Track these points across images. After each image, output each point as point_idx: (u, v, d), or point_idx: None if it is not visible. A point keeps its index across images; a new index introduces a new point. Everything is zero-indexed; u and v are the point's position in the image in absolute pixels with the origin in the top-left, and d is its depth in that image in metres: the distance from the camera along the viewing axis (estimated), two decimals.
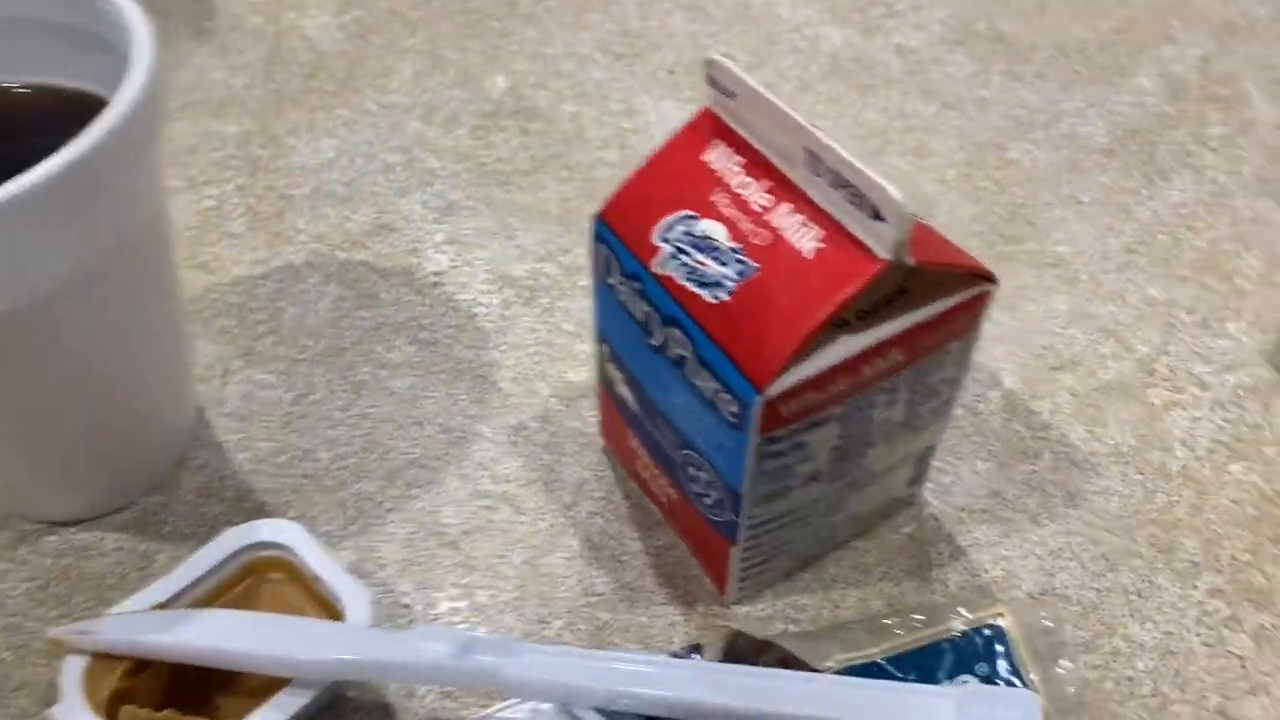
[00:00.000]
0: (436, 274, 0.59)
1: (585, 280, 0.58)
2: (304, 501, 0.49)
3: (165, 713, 0.39)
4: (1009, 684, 0.39)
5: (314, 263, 0.60)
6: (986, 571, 0.47)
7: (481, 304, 0.57)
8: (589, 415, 0.53)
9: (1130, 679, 0.44)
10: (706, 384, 0.38)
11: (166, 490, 0.50)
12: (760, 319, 0.36)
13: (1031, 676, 0.38)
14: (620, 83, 0.70)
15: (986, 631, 0.38)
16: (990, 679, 0.40)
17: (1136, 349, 0.56)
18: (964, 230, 0.61)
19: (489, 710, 0.40)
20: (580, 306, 0.57)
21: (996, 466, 0.51)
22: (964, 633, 0.39)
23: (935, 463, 0.50)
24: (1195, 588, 0.47)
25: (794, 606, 0.46)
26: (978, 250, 0.60)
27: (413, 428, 0.52)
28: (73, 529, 0.49)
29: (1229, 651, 0.45)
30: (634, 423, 0.46)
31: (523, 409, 0.53)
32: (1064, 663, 0.38)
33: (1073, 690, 0.38)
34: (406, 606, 0.46)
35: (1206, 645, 0.45)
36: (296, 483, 0.50)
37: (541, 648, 0.38)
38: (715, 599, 0.46)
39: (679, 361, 0.39)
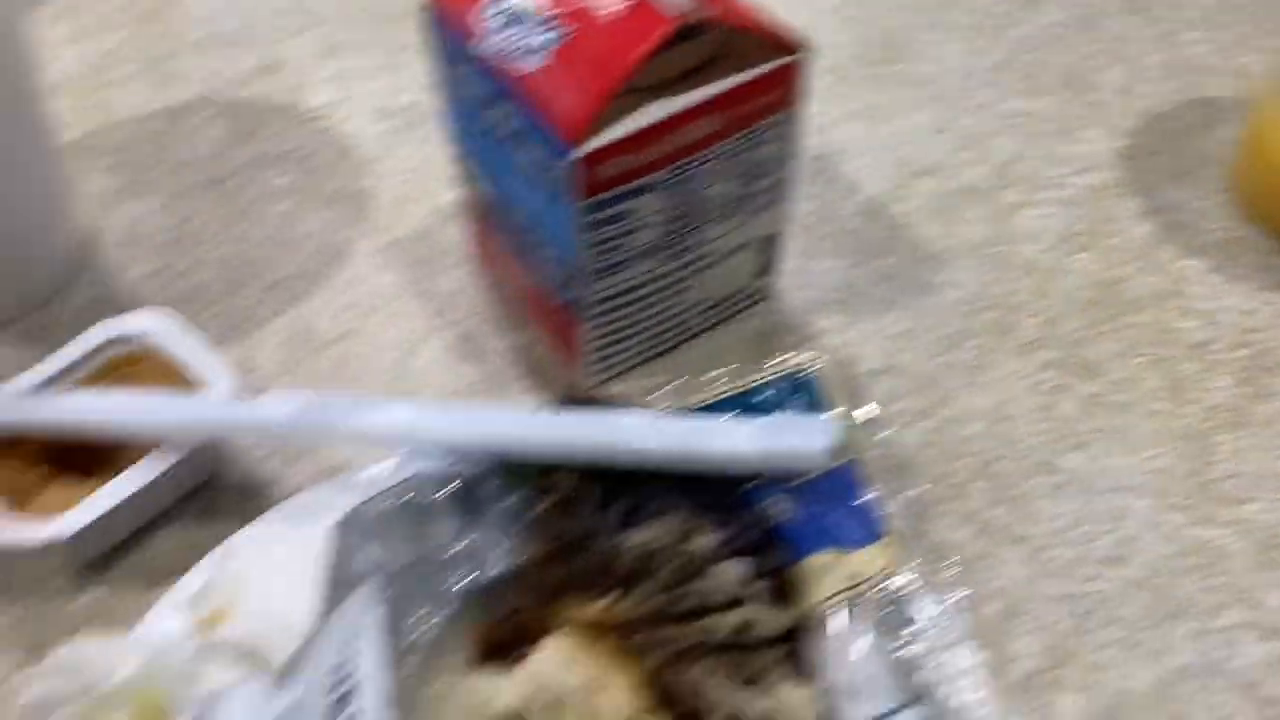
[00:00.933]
0: (320, 107, 0.60)
1: None
2: (185, 315, 0.51)
3: (35, 472, 0.41)
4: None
5: (200, 103, 0.61)
6: (833, 355, 0.50)
7: (364, 134, 0.59)
8: (462, 233, 0.55)
9: (964, 438, 0.47)
10: (532, 156, 0.40)
11: (53, 308, 0.52)
12: (569, 83, 0.38)
13: (839, 411, 0.40)
14: None
15: (798, 375, 0.41)
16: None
17: (994, 156, 0.58)
18: (837, 56, 0.63)
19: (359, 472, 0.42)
20: None
21: (850, 264, 0.53)
22: (776, 378, 0.41)
23: (790, 263, 0.52)
24: (1030, 361, 0.49)
25: (644, 390, 0.48)
26: (849, 72, 0.62)
27: (291, 247, 0.54)
28: None
29: (1056, 415, 0.48)
30: (492, 218, 0.48)
31: (398, 228, 0.55)
32: (870, 405, 0.41)
33: (878, 424, 0.40)
34: None
35: (1036, 409, 0.48)
36: (181, 296, 0.52)
37: (385, 403, 0.41)
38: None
39: (509, 139, 0.41)
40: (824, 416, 0.39)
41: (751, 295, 0.50)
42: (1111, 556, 0.43)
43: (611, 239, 0.42)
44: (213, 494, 0.46)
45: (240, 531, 0.39)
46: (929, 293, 0.52)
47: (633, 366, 0.49)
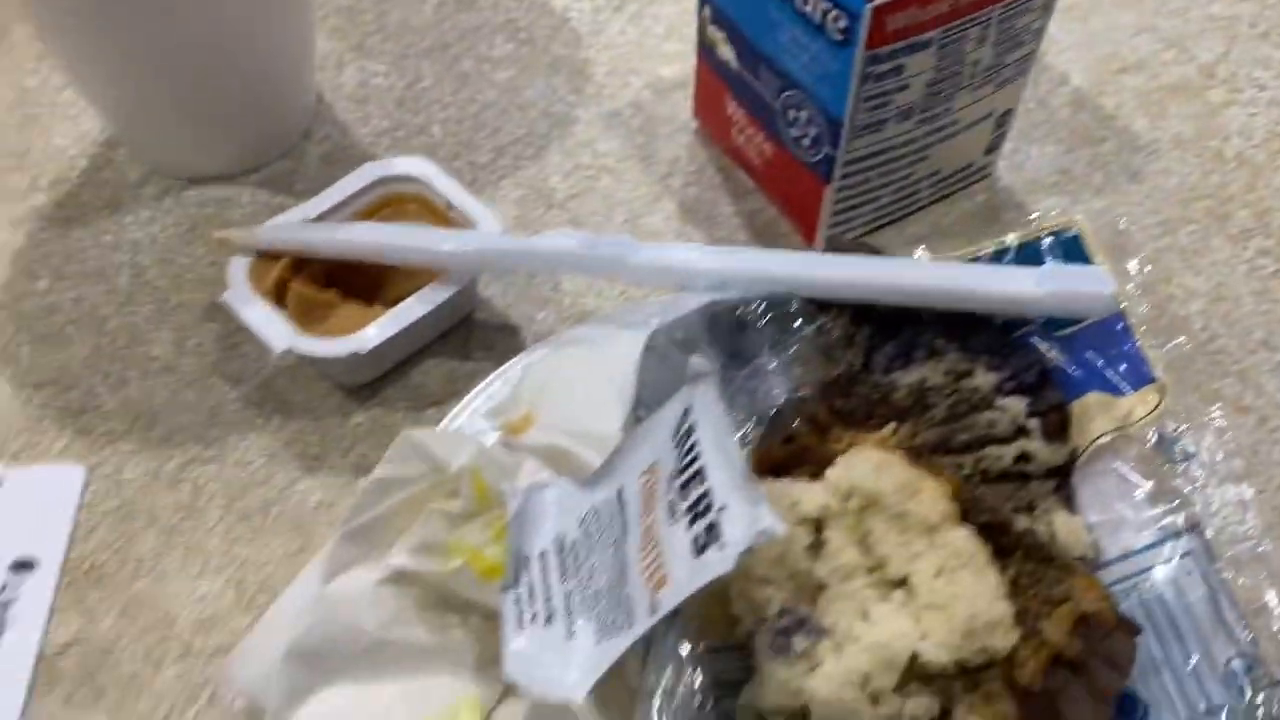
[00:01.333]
0: None
1: None
2: None
3: (328, 293, 0.43)
4: None
5: None
6: (1032, 216, 0.51)
7: (574, 9, 0.61)
8: (680, 104, 0.56)
9: (1184, 317, 0.48)
10: (815, 6, 0.42)
11: (294, 157, 0.54)
12: None
13: (1101, 263, 0.41)
14: None
15: (1061, 234, 0.42)
16: None
17: (1198, 56, 0.59)
18: None
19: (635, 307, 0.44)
20: (669, 11, 0.60)
21: (1064, 149, 0.54)
22: (1039, 236, 0.43)
23: (1008, 145, 0.54)
24: (1246, 248, 0.51)
25: (905, 243, 0.50)
26: None
27: (516, 112, 0.56)
28: (210, 185, 0.53)
29: (1274, 299, 0.49)
30: (733, 83, 0.50)
31: (618, 98, 0.57)
32: (1132, 263, 0.42)
33: (1138, 284, 0.42)
34: None
35: (1254, 294, 0.49)
36: (414, 153, 0.54)
37: (659, 245, 0.43)
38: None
39: None
40: (1099, 267, 0.40)
41: (978, 171, 0.52)
42: None
43: (881, 95, 0.43)
44: (468, 333, 0.48)
45: (535, 347, 0.42)
46: (1142, 180, 0.53)
47: (861, 235, 0.51)
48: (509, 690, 0.36)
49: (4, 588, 0.41)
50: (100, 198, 0.53)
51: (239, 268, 0.44)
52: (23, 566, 0.42)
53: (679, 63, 0.58)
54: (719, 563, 0.30)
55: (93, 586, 0.42)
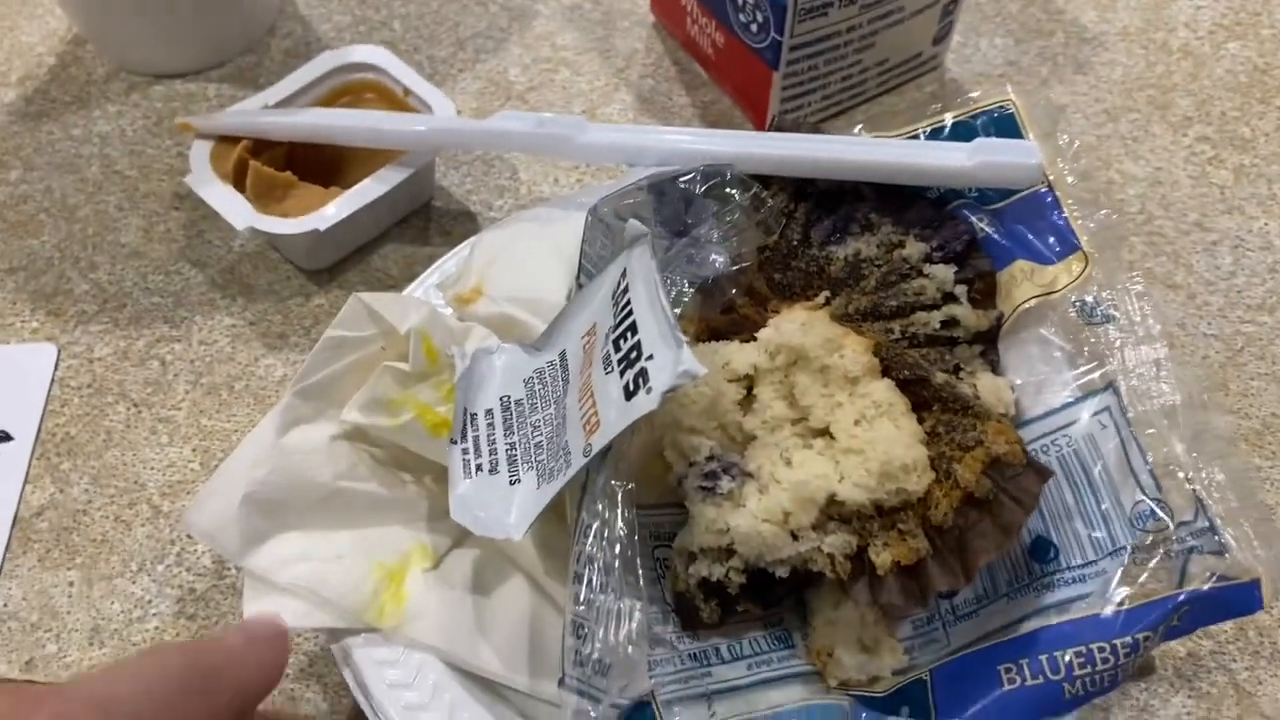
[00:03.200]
0: None
1: None
2: None
3: (285, 174, 0.45)
4: None
5: None
6: (970, 92, 0.52)
7: None
8: None
9: (1122, 200, 0.50)
10: None
11: (258, 52, 0.55)
12: None
13: (1029, 137, 0.43)
14: None
15: (995, 112, 0.44)
16: None
17: None
18: None
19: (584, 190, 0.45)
20: None
21: (1013, 42, 0.55)
22: (974, 113, 0.44)
23: (957, 38, 0.55)
24: (1185, 135, 0.52)
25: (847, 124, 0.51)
26: None
27: (476, 7, 0.57)
28: (176, 80, 0.54)
29: (1210, 183, 0.51)
30: None
31: None
32: (1063, 137, 0.43)
33: (1067, 158, 0.43)
34: None
35: (1191, 178, 0.51)
36: (375, 47, 0.55)
37: (607, 125, 0.44)
38: None
39: None
40: (1028, 140, 0.42)
41: (925, 62, 0.53)
42: (1261, 304, 0.47)
43: None
44: (427, 219, 0.50)
45: (487, 226, 0.43)
46: (1088, 71, 0.54)
47: (813, 124, 0.52)
48: (458, 540, 0.38)
49: None
50: (69, 93, 0.54)
51: (201, 151, 0.46)
52: None
53: None
54: (645, 403, 0.31)
55: (65, 456, 0.44)
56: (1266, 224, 0.49)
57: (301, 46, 0.55)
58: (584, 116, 0.53)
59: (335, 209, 0.44)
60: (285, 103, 0.47)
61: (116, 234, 0.49)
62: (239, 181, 0.45)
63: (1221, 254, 0.48)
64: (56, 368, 0.46)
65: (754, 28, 0.48)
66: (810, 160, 0.42)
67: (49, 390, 0.45)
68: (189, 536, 0.42)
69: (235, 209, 0.44)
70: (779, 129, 0.46)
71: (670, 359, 0.32)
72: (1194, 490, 0.34)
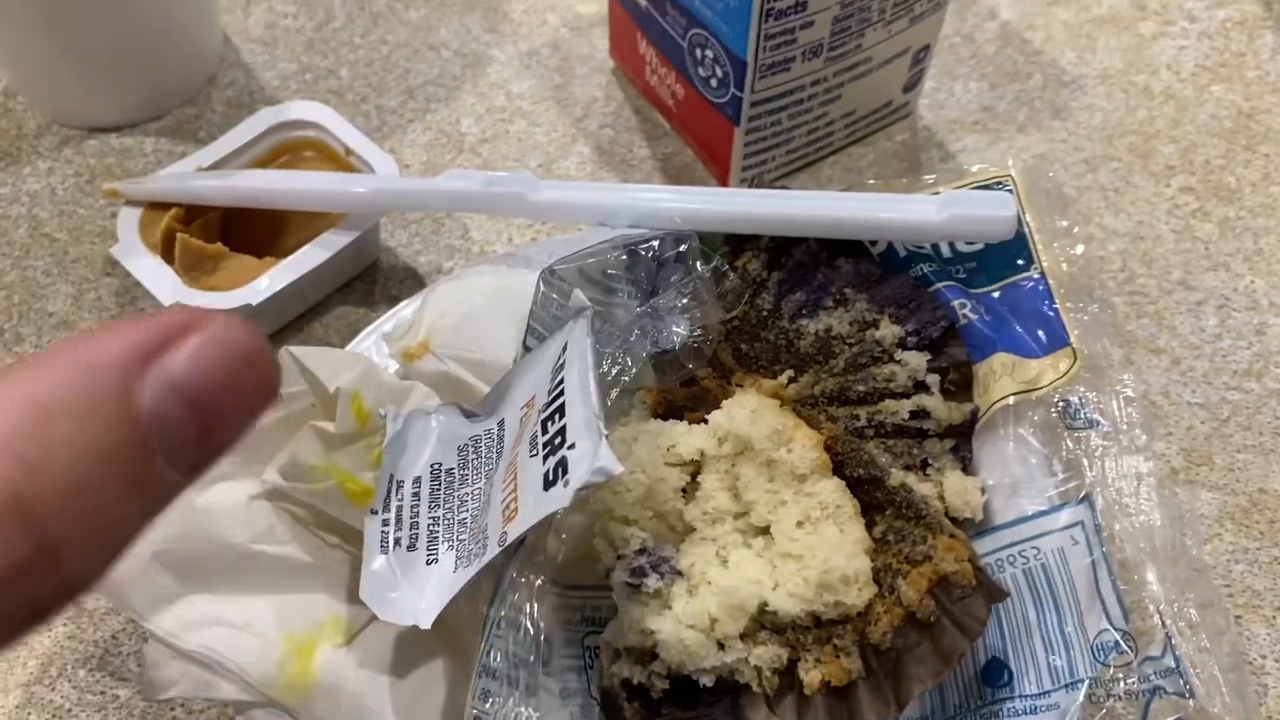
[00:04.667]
0: None
1: None
2: None
3: (215, 245, 0.42)
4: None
5: None
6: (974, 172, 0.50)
7: None
8: (598, 43, 0.55)
9: (1102, 258, 0.48)
10: None
11: (199, 104, 0.53)
12: None
13: (1028, 219, 0.40)
14: None
15: (993, 188, 0.41)
16: None
17: None
18: None
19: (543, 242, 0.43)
20: None
21: (989, 86, 0.53)
22: (970, 187, 0.42)
23: (930, 83, 0.52)
24: (1168, 185, 0.50)
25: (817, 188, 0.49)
26: None
27: (429, 52, 0.55)
28: (112, 134, 0.52)
29: (1194, 237, 0.48)
30: (644, 22, 0.48)
31: (534, 36, 0.55)
32: (1062, 221, 0.41)
33: (1064, 243, 0.41)
34: None
35: (1174, 232, 0.49)
36: (321, 98, 0.53)
37: (560, 181, 0.42)
38: None
39: None
40: (1002, 192, 0.39)
41: (895, 111, 0.51)
42: (1248, 369, 0.45)
43: (784, 33, 0.42)
44: (372, 283, 0.47)
45: (442, 277, 0.41)
46: (1067, 117, 0.52)
47: (776, 177, 0.50)
48: None
49: None
50: None
51: (129, 219, 0.43)
52: None
53: (597, 1, 0.56)
54: (559, 498, 0.29)
55: None
56: (1252, 281, 0.47)
57: (244, 97, 0.53)
58: (540, 170, 0.50)
59: (269, 281, 0.42)
60: (220, 164, 0.45)
61: (44, 302, 0.47)
62: (168, 252, 0.43)
63: (1206, 315, 0.46)
64: None
65: (714, 82, 0.45)
66: (773, 216, 0.39)
67: None
68: (114, 638, 0.39)
69: (162, 283, 0.42)
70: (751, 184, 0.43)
71: (589, 453, 0.30)
72: (1164, 625, 0.32)
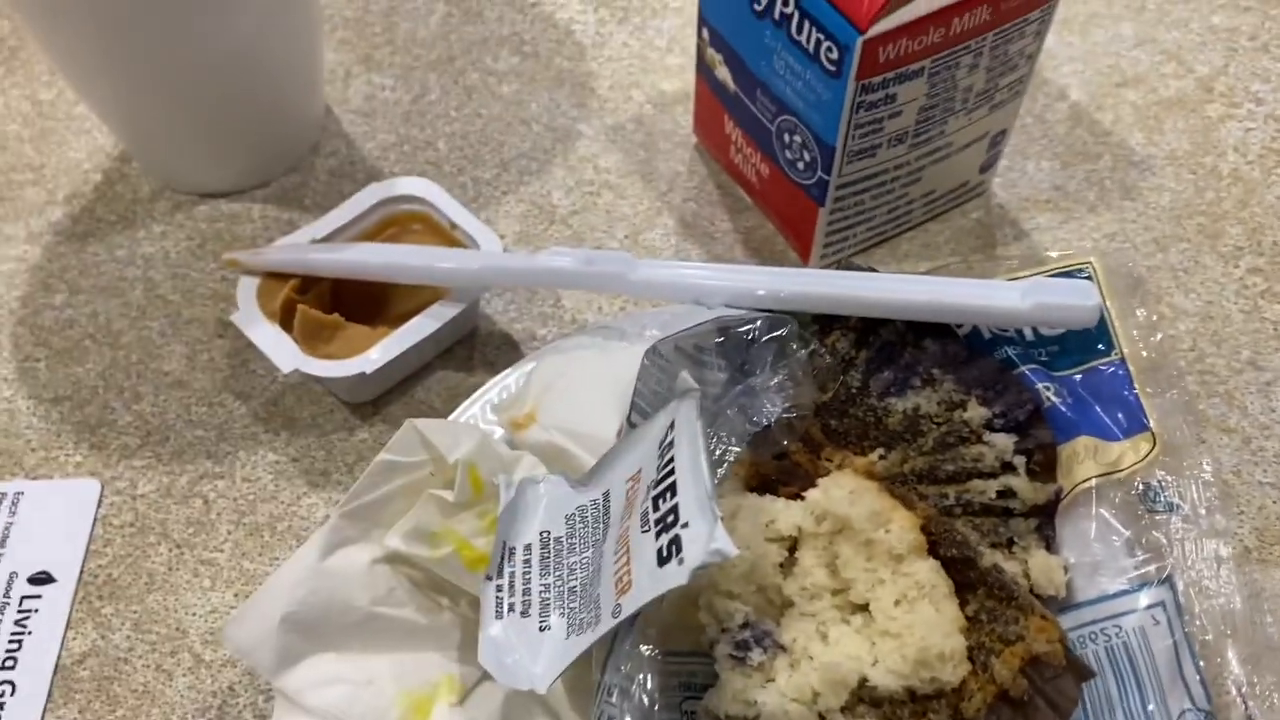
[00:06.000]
0: None
1: (675, 0, 0.62)
2: None
3: (333, 316, 0.45)
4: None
5: None
6: (1047, 250, 0.52)
7: (578, 22, 0.61)
8: (681, 119, 0.57)
9: (1173, 336, 0.49)
10: (809, 37, 0.42)
11: (303, 172, 0.55)
12: None
13: (1108, 304, 0.42)
14: None
15: (1074, 274, 0.43)
16: None
17: (1197, 69, 0.59)
18: None
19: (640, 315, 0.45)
20: (671, 25, 0.61)
21: (1060, 165, 0.55)
22: (1052, 273, 0.44)
23: (1003, 162, 0.54)
24: (1237, 266, 0.51)
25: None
26: None
27: (520, 126, 0.57)
28: (221, 200, 0.54)
29: (1263, 317, 0.50)
30: (732, 105, 0.50)
31: (620, 112, 0.58)
32: (1141, 310, 0.43)
33: (1144, 330, 0.42)
34: None
35: (1243, 312, 0.50)
36: (420, 168, 0.55)
37: (656, 261, 0.44)
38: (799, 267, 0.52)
39: (782, 21, 0.44)
40: (1086, 281, 0.41)
41: (971, 190, 0.53)
42: None
43: (873, 122, 0.44)
44: (471, 348, 0.49)
45: (547, 347, 0.43)
46: (1136, 197, 0.54)
47: (855, 253, 0.52)
48: (488, 673, 0.38)
49: (23, 599, 0.43)
50: (114, 212, 0.54)
51: (247, 288, 0.46)
52: (41, 580, 0.44)
53: (679, 77, 0.59)
54: (675, 576, 0.31)
55: (107, 600, 0.43)
56: None
57: (346, 166, 0.56)
58: (626, 242, 0.53)
59: (381, 351, 0.44)
60: (332, 236, 0.48)
61: (160, 362, 0.49)
62: (285, 320, 0.45)
63: (1276, 394, 0.48)
64: (99, 505, 0.46)
65: (800, 165, 0.47)
66: (863, 299, 0.41)
67: (92, 529, 0.45)
68: (231, 689, 0.41)
69: (282, 350, 0.44)
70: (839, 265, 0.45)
71: (704, 534, 0.31)
72: (1247, 710, 0.33)
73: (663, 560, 0.32)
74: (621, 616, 0.33)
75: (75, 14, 0.45)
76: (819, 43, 0.42)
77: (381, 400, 0.48)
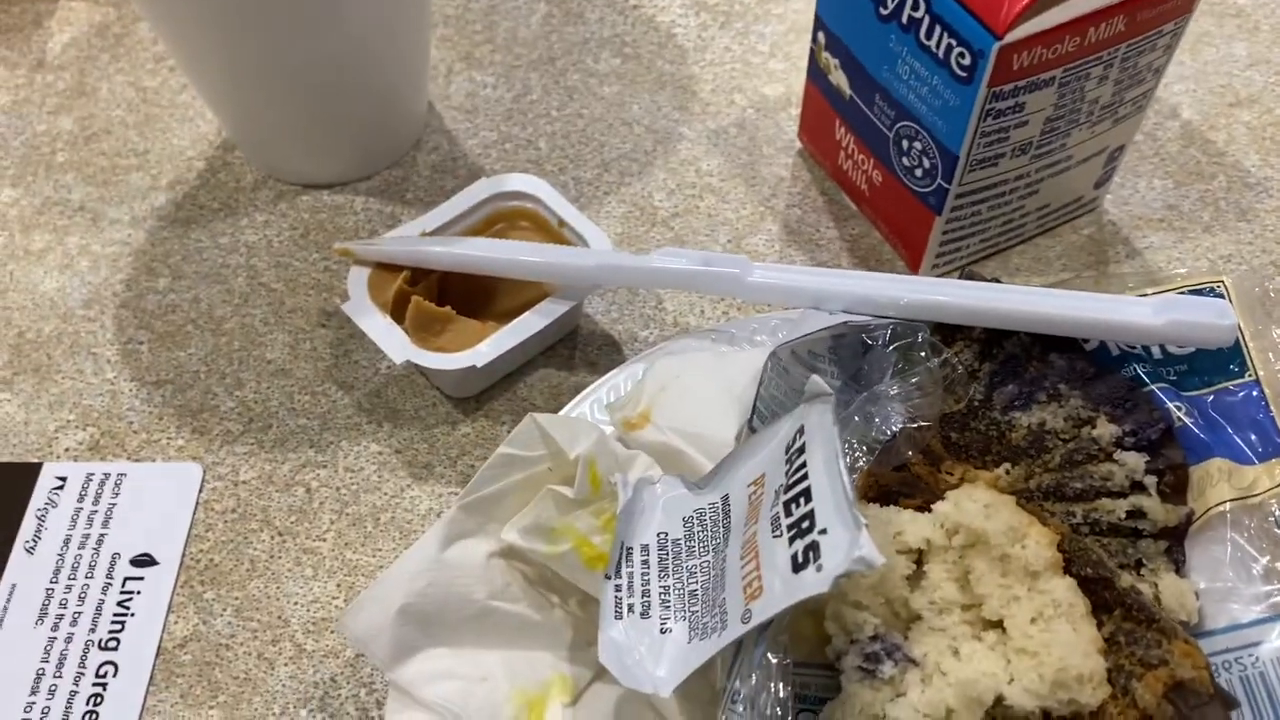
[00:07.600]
0: None
1: (778, 6, 0.61)
2: None
3: (445, 309, 0.44)
4: None
5: None
6: (1161, 270, 0.51)
7: (679, 25, 0.61)
8: (785, 124, 0.57)
9: None
10: (939, 41, 0.42)
11: (405, 166, 0.55)
12: None
13: (1242, 326, 0.41)
14: None
15: (1204, 291, 0.42)
16: None
17: None
18: None
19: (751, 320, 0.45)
20: (773, 30, 0.60)
21: (1173, 184, 0.54)
22: (1180, 290, 0.42)
23: (1116, 179, 0.53)
24: None
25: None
26: None
27: (622, 127, 0.57)
28: (324, 191, 0.54)
29: None
30: (844, 110, 0.50)
31: (722, 116, 0.57)
32: (1277, 331, 0.41)
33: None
34: None
35: None
36: (521, 166, 0.55)
37: (772, 265, 0.43)
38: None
39: (910, 25, 0.43)
40: (1221, 300, 0.40)
41: (1084, 205, 0.52)
42: None
43: (999, 131, 0.43)
44: (572, 348, 0.49)
45: (657, 349, 0.43)
46: (1253, 219, 0.53)
47: (967, 264, 0.51)
48: (599, 674, 0.38)
49: (125, 580, 0.43)
50: (217, 200, 0.55)
51: (358, 278, 0.45)
52: (143, 561, 0.43)
53: (783, 82, 0.58)
54: (815, 583, 0.30)
55: (209, 585, 0.43)
56: None
57: (448, 162, 0.55)
58: (730, 246, 0.52)
59: (491, 346, 0.43)
60: (442, 229, 0.47)
61: (263, 350, 0.49)
62: (396, 311, 0.45)
63: None
64: (201, 489, 0.45)
65: (919, 172, 0.47)
66: (988, 310, 0.40)
67: (193, 513, 0.45)
68: (333, 679, 0.41)
69: (393, 341, 0.44)
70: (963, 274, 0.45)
71: (847, 540, 0.31)
72: None
73: (798, 567, 0.32)
74: (752, 623, 0.32)
75: (198, 7, 0.45)
76: (950, 48, 0.41)
77: (484, 395, 0.48)
